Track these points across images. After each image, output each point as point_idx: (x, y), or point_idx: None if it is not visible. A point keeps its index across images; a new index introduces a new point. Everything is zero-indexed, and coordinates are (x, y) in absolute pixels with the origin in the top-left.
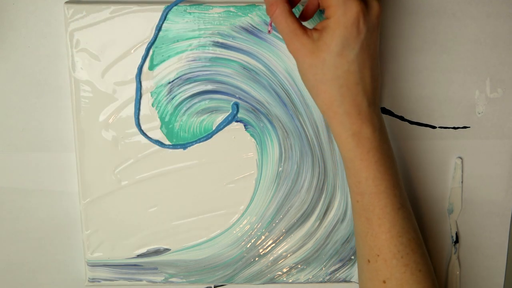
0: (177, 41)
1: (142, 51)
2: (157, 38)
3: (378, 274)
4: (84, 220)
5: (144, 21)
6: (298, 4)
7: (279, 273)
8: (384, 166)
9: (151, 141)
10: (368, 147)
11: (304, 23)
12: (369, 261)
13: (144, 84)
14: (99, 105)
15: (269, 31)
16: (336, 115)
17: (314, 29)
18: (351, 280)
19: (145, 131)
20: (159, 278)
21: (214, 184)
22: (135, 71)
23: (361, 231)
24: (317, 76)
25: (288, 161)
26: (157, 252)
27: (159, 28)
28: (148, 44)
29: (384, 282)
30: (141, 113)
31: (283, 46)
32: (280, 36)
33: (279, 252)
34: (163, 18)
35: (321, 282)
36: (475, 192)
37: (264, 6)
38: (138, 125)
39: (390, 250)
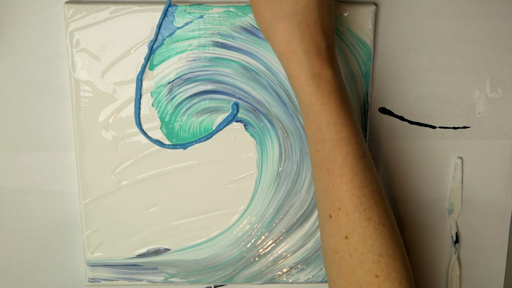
0: (177, 41)
1: (142, 51)
2: (158, 38)
3: (340, 229)
4: (84, 220)
5: (144, 21)
6: None
7: (279, 273)
8: (345, 111)
9: (151, 140)
10: (329, 90)
11: None
12: (330, 216)
13: (144, 84)
14: (99, 105)
15: None
16: (294, 55)
17: None
18: None
19: (145, 131)
20: (159, 278)
21: (214, 184)
22: (135, 71)
23: (322, 184)
24: (274, 12)
25: (288, 161)
26: (157, 252)
27: (159, 28)
28: (150, 43)
29: (347, 237)
30: (141, 113)
31: None
32: None
33: (279, 252)
34: (163, 16)
35: (321, 282)
36: (475, 192)
37: None
38: (139, 124)
39: (353, 202)
